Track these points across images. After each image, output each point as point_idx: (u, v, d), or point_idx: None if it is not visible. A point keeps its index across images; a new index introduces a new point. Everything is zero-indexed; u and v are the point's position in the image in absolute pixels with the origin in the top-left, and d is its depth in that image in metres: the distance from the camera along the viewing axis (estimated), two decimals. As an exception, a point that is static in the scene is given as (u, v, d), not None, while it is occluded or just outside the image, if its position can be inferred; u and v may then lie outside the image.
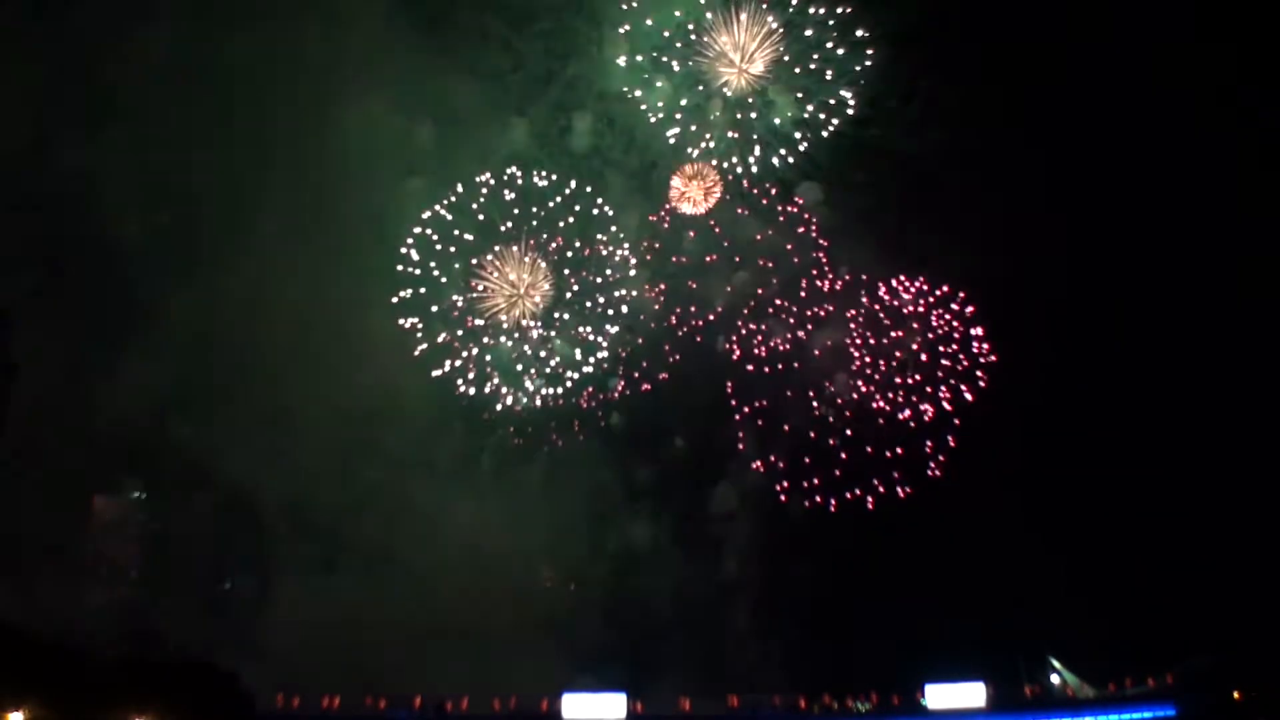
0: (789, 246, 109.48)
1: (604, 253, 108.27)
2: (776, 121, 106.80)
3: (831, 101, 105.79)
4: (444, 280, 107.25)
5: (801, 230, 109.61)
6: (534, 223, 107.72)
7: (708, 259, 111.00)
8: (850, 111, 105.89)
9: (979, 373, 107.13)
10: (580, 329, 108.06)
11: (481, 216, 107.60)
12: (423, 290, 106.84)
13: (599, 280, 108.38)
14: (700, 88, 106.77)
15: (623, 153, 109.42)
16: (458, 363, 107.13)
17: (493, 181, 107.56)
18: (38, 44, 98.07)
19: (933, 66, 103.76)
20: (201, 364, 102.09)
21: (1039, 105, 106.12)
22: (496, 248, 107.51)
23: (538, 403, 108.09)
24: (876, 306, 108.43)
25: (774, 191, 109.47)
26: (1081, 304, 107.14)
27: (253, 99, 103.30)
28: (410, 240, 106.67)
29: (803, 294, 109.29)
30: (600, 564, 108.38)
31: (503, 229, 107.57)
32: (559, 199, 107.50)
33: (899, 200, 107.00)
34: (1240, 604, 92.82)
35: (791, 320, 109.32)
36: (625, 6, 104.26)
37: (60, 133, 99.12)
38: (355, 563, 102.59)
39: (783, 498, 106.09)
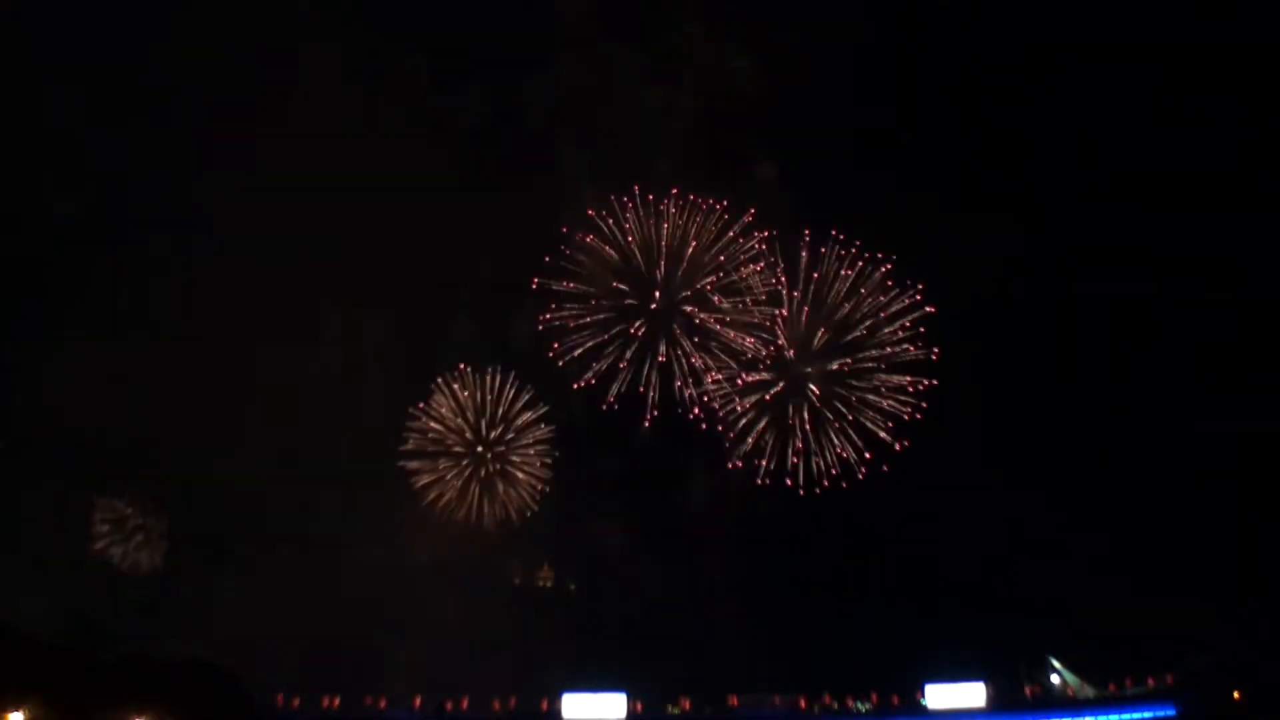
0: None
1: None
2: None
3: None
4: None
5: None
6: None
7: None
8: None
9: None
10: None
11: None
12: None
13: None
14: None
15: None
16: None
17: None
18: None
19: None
20: (156, 354, 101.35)
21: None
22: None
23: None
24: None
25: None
26: (1074, 300, 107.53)
27: (195, 70, 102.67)
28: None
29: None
30: (597, 563, 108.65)
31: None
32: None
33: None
34: (1239, 604, 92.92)
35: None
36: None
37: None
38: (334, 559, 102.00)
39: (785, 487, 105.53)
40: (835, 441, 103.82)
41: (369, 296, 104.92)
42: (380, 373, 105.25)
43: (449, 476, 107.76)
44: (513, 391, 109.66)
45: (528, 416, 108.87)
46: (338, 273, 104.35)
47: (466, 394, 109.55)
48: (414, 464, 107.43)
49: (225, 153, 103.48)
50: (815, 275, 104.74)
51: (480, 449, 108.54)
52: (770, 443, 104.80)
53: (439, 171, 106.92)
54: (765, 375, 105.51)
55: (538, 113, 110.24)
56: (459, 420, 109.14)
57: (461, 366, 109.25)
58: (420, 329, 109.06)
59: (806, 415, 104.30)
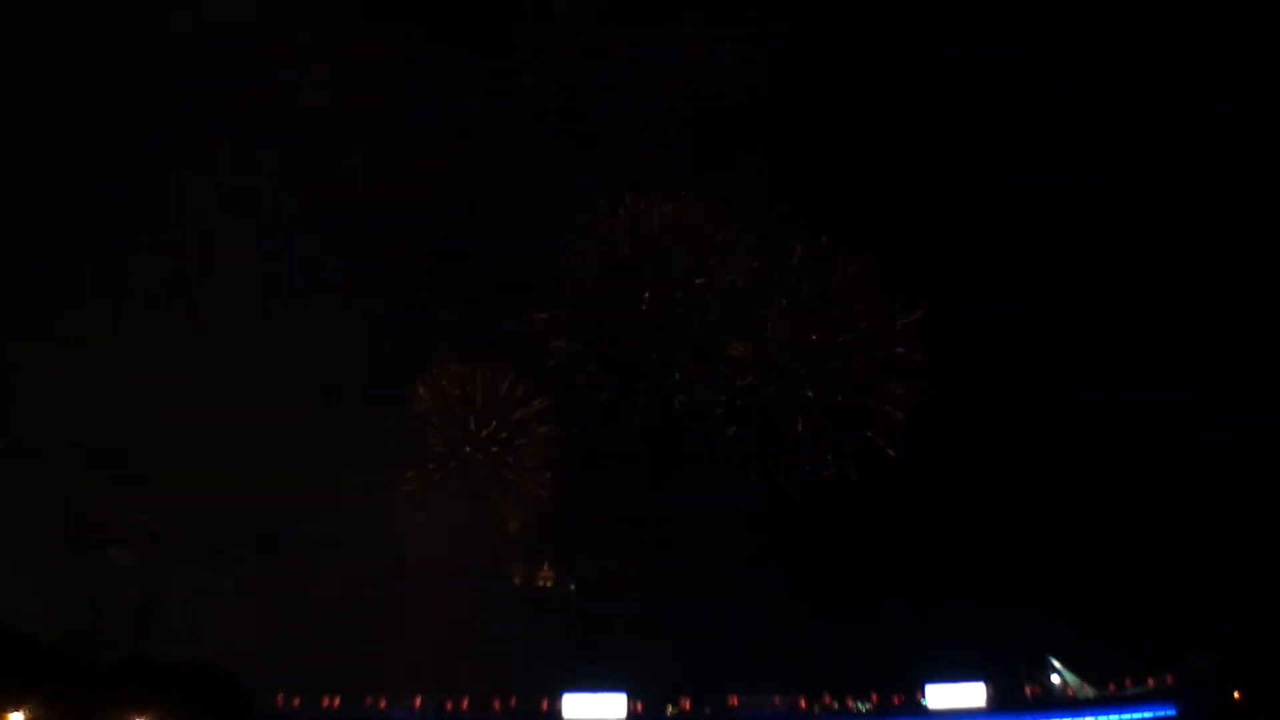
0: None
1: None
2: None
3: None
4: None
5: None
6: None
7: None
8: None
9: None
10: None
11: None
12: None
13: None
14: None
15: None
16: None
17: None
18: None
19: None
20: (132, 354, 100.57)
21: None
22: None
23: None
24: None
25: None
26: (1074, 300, 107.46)
27: (186, 65, 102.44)
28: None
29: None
30: (597, 563, 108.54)
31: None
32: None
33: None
34: (1240, 604, 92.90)
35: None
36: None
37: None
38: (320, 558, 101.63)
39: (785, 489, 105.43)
40: (829, 444, 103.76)
41: (360, 294, 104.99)
42: (375, 371, 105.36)
43: (430, 483, 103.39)
44: (507, 384, 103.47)
45: (539, 402, 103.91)
46: (329, 271, 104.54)
47: (449, 382, 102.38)
48: (390, 470, 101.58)
49: (217, 150, 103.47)
50: (809, 276, 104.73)
51: (469, 449, 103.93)
52: (762, 446, 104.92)
53: (429, 168, 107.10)
54: (753, 378, 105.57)
55: (529, 108, 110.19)
56: (444, 417, 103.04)
57: (444, 360, 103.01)
58: (412, 327, 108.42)
59: (801, 422, 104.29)
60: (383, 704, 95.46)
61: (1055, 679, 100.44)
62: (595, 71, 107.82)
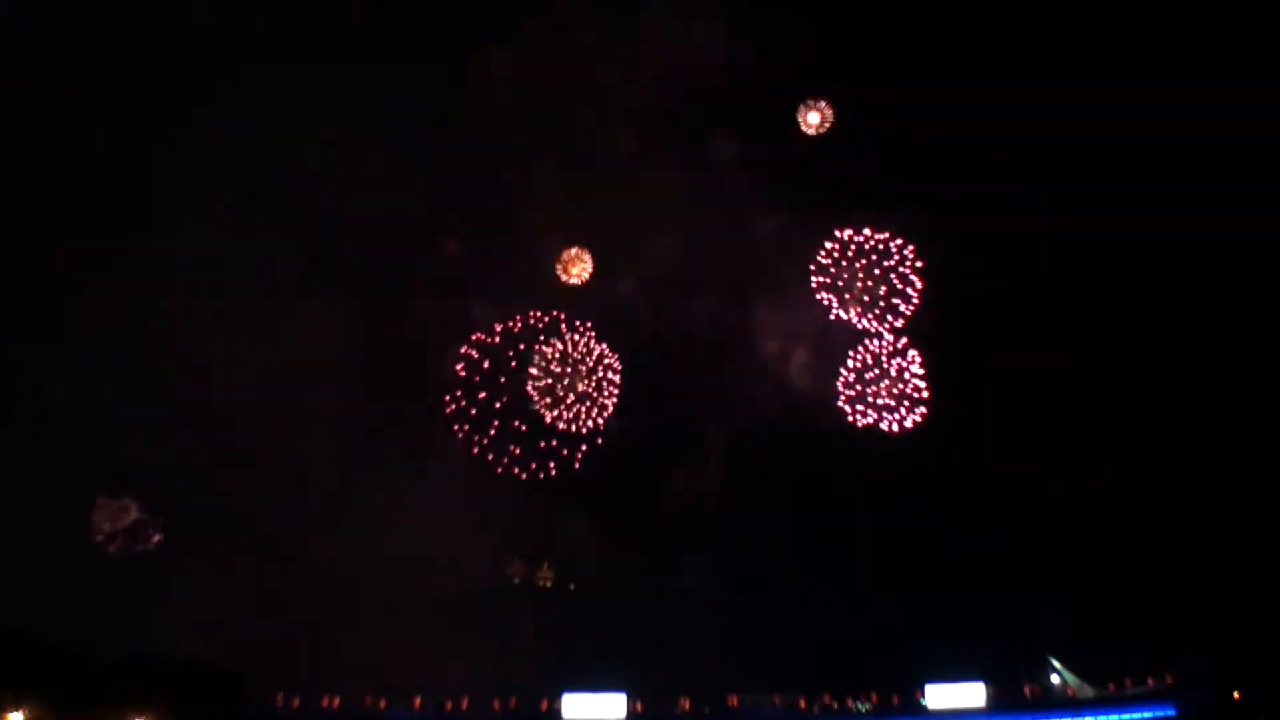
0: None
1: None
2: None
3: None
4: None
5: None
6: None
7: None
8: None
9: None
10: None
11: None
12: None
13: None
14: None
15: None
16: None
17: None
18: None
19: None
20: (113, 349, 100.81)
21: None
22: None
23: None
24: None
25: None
26: (1076, 302, 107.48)
27: (146, 54, 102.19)
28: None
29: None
30: (597, 563, 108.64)
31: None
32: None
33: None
34: (1240, 604, 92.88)
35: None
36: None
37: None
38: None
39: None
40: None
41: (333, 287, 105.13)
42: (372, 369, 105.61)
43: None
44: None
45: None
46: (301, 262, 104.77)
47: None
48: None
49: (195, 148, 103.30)
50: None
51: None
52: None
53: (398, 154, 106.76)
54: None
55: (498, 89, 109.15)
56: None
57: None
58: (389, 315, 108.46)
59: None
60: (383, 704, 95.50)
61: (1055, 679, 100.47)
62: (569, 55, 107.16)
